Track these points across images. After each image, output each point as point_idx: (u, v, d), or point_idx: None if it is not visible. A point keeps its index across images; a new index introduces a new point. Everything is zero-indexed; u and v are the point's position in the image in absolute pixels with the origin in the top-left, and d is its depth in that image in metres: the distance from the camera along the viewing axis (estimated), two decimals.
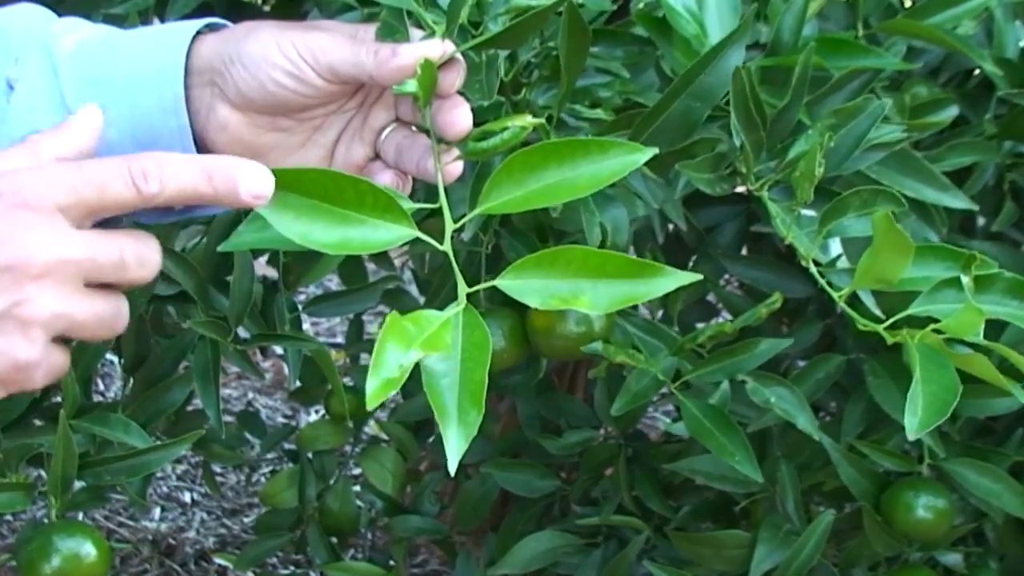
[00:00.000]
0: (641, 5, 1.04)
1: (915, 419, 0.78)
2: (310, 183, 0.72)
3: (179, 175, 0.68)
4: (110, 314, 0.68)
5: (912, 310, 0.83)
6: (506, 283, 0.71)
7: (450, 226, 0.76)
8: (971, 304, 0.79)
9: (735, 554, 1.39)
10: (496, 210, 0.74)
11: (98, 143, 0.72)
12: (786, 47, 1.00)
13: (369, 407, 0.66)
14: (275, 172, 0.71)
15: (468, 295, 0.72)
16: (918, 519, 1.29)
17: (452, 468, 0.69)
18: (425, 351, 0.68)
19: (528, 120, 0.79)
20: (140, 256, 0.68)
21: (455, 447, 0.69)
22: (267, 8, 1.53)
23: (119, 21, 1.19)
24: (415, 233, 0.73)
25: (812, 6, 1.02)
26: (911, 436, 0.77)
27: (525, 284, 0.71)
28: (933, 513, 1.29)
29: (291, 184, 0.72)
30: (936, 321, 0.82)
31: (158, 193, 0.68)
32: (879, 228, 0.80)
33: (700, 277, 0.71)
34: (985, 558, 1.45)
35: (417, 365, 0.68)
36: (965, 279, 0.81)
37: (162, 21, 1.29)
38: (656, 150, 0.74)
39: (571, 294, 0.70)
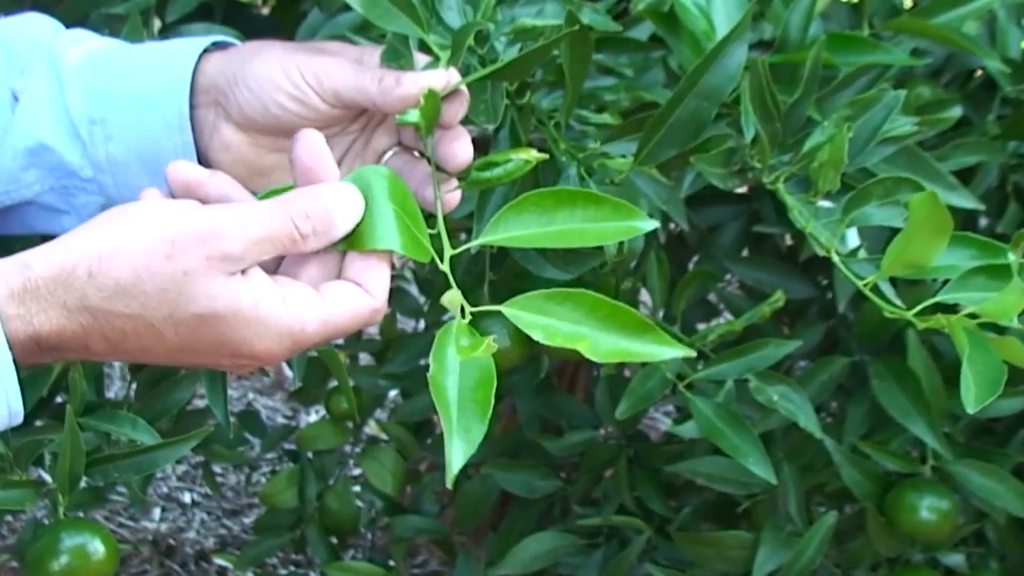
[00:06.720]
0: (642, 6, 1.04)
1: (970, 393, 0.79)
2: None
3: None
4: None
5: (941, 297, 0.84)
6: (512, 311, 0.72)
7: (448, 251, 0.76)
8: (1016, 284, 0.79)
9: (737, 555, 1.39)
10: (498, 243, 0.76)
11: None
12: (793, 44, 1.00)
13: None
14: None
15: (467, 297, 0.73)
16: (922, 520, 1.29)
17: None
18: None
19: (532, 155, 0.80)
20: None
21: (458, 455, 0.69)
22: (266, 9, 1.52)
23: (119, 21, 1.18)
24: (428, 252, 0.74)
25: (818, 4, 1.02)
26: (970, 409, 0.79)
27: (531, 318, 0.72)
28: (937, 514, 1.29)
29: None
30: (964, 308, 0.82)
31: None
32: (918, 208, 0.79)
33: (693, 353, 0.72)
34: (986, 558, 1.45)
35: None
36: (1013, 258, 0.81)
37: (162, 21, 1.28)
38: (657, 223, 0.76)
39: (574, 336, 0.71)
